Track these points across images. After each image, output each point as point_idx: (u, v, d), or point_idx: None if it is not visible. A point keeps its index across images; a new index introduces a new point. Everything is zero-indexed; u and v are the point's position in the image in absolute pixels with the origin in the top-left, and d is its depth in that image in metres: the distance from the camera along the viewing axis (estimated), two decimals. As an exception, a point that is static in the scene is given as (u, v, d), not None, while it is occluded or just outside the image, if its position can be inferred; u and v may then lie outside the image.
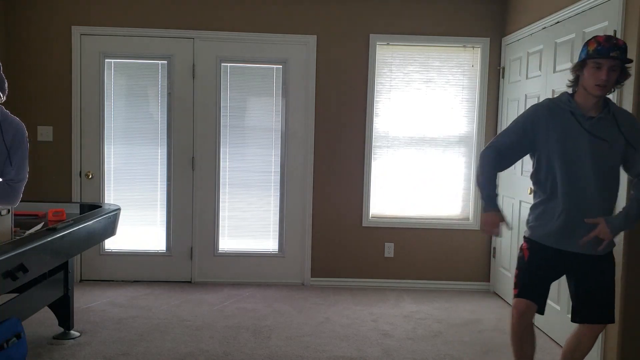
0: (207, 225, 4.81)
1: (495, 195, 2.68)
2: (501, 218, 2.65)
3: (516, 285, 2.65)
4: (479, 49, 4.76)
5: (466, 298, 4.65)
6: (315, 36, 4.71)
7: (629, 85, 2.86)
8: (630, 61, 2.47)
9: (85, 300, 4.24)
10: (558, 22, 3.72)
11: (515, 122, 2.68)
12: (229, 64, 4.73)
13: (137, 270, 4.80)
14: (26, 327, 2.92)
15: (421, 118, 4.81)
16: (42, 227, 3.02)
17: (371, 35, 4.71)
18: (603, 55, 2.41)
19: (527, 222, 2.71)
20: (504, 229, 2.72)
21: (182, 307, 4.18)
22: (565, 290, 3.39)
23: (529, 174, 2.74)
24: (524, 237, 2.69)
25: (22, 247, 2.49)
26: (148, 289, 4.60)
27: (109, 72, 4.71)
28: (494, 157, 2.67)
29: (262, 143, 4.80)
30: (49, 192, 4.65)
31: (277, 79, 4.77)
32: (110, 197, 4.75)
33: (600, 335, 2.91)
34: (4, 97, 2.68)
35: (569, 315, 3.12)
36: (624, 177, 2.69)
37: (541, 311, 2.64)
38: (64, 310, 3.51)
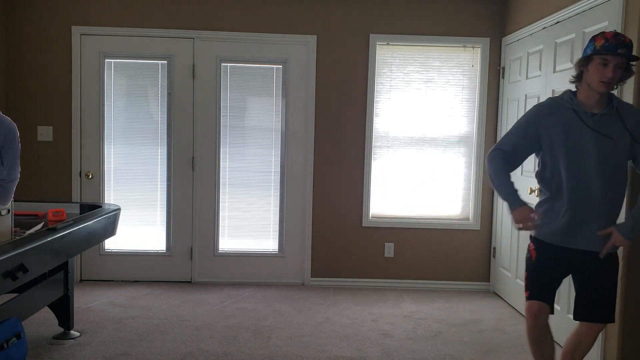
0: (207, 225, 4.81)
1: (516, 191, 2.63)
2: (530, 210, 2.58)
3: (527, 288, 2.63)
4: (479, 49, 4.76)
5: (466, 298, 4.65)
6: (315, 36, 4.71)
7: (629, 84, 2.86)
8: (637, 59, 2.45)
9: (85, 300, 4.24)
10: (558, 22, 3.72)
11: (518, 123, 2.68)
12: (229, 64, 4.73)
13: (137, 270, 4.80)
14: (26, 327, 2.92)
15: (421, 118, 4.81)
16: (42, 227, 3.03)
17: (371, 35, 4.71)
18: (610, 52, 2.39)
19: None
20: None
21: (182, 307, 4.18)
22: (565, 290, 3.40)
23: (531, 174, 2.74)
24: (530, 236, 2.68)
25: (22, 247, 2.50)
26: (148, 289, 4.60)
27: (109, 72, 4.71)
28: (501, 157, 2.66)
29: (262, 143, 4.80)
30: (49, 192, 4.65)
31: (277, 79, 4.77)
32: (110, 197, 4.75)
33: (600, 335, 2.92)
34: None
35: (569, 315, 3.13)
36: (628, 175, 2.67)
37: (551, 311, 2.62)
38: (64, 310, 3.51)
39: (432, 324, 3.99)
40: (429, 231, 4.86)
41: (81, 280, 4.77)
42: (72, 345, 3.40)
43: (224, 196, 4.81)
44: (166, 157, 4.76)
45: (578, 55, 3.39)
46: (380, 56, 4.76)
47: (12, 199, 2.74)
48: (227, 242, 4.86)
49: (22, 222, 3.10)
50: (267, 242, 4.88)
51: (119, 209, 3.62)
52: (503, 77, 4.70)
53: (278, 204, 4.84)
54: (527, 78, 4.22)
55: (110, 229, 3.53)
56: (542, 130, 2.57)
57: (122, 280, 4.79)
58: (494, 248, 4.82)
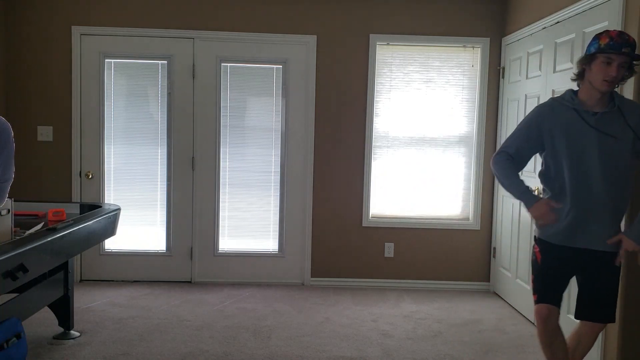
0: (207, 225, 4.81)
1: (527, 188, 2.62)
2: (546, 202, 2.55)
3: (534, 291, 2.62)
4: (479, 49, 4.76)
5: (466, 298, 4.65)
6: (315, 36, 4.71)
7: (629, 84, 2.86)
8: None
9: (85, 300, 4.24)
10: (558, 22, 3.72)
11: (521, 125, 2.68)
12: (229, 64, 4.73)
13: (137, 270, 4.80)
14: (26, 327, 2.92)
15: (421, 118, 4.81)
16: (42, 227, 3.03)
17: (371, 35, 4.71)
18: (615, 50, 2.38)
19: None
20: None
21: (182, 307, 4.18)
22: (566, 290, 3.39)
23: (531, 174, 2.73)
24: (535, 237, 2.68)
25: (22, 247, 2.49)
26: (148, 289, 4.60)
27: (109, 72, 4.71)
28: (506, 159, 2.66)
29: (262, 143, 4.80)
30: (49, 192, 4.65)
31: (277, 79, 4.77)
32: (110, 197, 4.75)
33: (600, 335, 2.92)
34: None
35: (569, 316, 3.13)
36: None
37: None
38: (64, 310, 3.51)
39: (432, 324, 3.99)
40: (429, 231, 4.86)
41: (81, 280, 4.77)
42: (72, 345, 3.40)
43: (224, 196, 4.81)
44: (166, 157, 4.76)
45: (578, 55, 3.39)
46: (380, 56, 4.76)
47: (6, 199, 2.74)
48: (227, 242, 4.86)
49: (22, 222, 3.10)
50: (267, 242, 4.88)
51: (119, 209, 3.62)
52: (503, 77, 4.70)
53: (278, 204, 4.84)
54: (527, 78, 4.22)
55: (110, 229, 3.53)
56: (544, 131, 2.56)
57: (122, 280, 4.79)
58: (494, 248, 4.82)
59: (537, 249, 2.64)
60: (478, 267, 4.90)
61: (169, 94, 4.71)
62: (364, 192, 4.81)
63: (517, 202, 4.30)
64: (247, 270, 4.84)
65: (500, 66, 4.73)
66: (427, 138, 4.83)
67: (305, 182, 4.80)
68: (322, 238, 4.84)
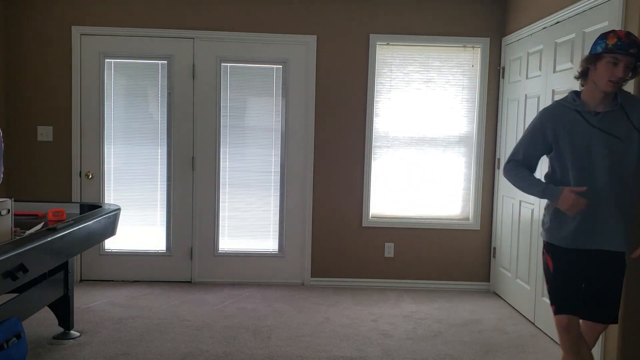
0: (207, 225, 4.81)
1: (547, 184, 2.58)
2: (570, 192, 2.46)
3: (552, 302, 2.59)
4: (479, 49, 4.76)
5: (466, 298, 4.65)
6: (315, 36, 4.71)
7: (629, 85, 2.85)
8: None
9: (85, 300, 4.24)
10: (558, 22, 3.72)
11: (526, 131, 2.68)
12: (229, 64, 4.73)
13: (137, 270, 4.80)
14: (26, 327, 2.93)
15: (421, 118, 4.81)
16: (42, 227, 3.02)
17: (371, 35, 4.71)
18: (623, 51, 2.36)
19: (543, 223, 2.67)
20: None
21: (182, 307, 4.18)
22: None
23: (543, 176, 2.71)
24: (544, 242, 2.65)
25: (22, 247, 2.49)
26: (148, 289, 4.60)
27: (109, 72, 4.71)
28: (516, 166, 2.66)
29: (262, 143, 4.80)
30: (49, 192, 4.65)
31: (277, 79, 4.77)
32: (110, 197, 4.75)
33: (600, 335, 2.91)
34: None
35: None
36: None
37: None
38: (64, 310, 3.51)
39: (432, 324, 3.99)
40: (429, 231, 4.86)
41: (81, 280, 4.77)
42: (72, 345, 3.40)
43: (224, 196, 4.81)
44: (166, 157, 4.76)
45: (578, 55, 3.40)
46: (380, 56, 4.76)
47: (7, 199, 2.73)
48: (227, 242, 4.86)
49: (22, 222, 3.10)
50: (267, 242, 4.88)
51: (119, 209, 3.62)
52: (503, 77, 4.70)
53: (278, 204, 4.84)
54: (527, 78, 4.22)
55: (110, 229, 3.52)
56: (548, 135, 2.56)
57: (122, 280, 4.79)
58: (494, 248, 4.81)
59: (548, 257, 2.61)
60: (478, 267, 4.90)
61: (169, 94, 4.72)
62: (364, 192, 4.81)
63: (517, 202, 4.30)
64: (247, 270, 4.84)
65: (500, 66, 4.73)
66: (427, 138, 4.83)
67: (305, 182, 4.80)
68: (322, 238, 4.84)
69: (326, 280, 4.87)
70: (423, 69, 4.79)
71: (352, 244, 4.85)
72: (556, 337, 3.65)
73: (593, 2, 3.27)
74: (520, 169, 2.65)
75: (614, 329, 2.98)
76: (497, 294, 4.76)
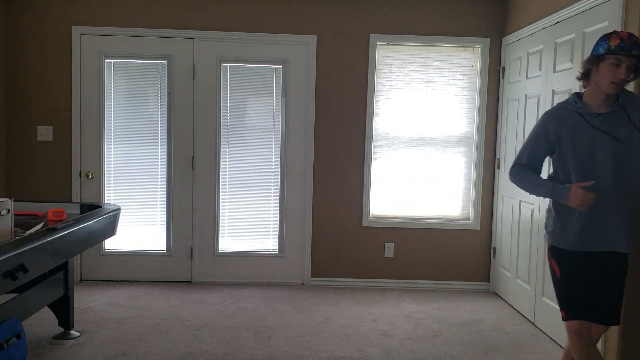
0: (207, 225, 4.81)
1: (554, 182, 2.56)
2: (578, 188, 2.45)
3: (561, 308, 2.58)
4: (479, 49, 4.76)
5: (466, 298, 4.65)
6: (315, 36, 4.71)
7: (630, 87, 2.85)
8: None
9: (85, 300, 4.24)
10: (558, 22, 3.72)
11: (529, 135, 2.69)
12: (229, 64, 4.73)
13: (137, 270, 4.80)
14: (26, 327, 2.93)
15: (421, 118, 4.81)
16: (42, 227, 3.03)
17: (371, 35, 4.71)
18: (625, 52, 2.35)
19: (546, 226, 2.67)
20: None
21: (182, 307, 4.18)
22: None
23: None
24: (549, 245, 2.64)
25: (22, 247, 2.49)
26: (148, 289, 4.60)
27: (109, 72, 4.71)
28: (521, 169, 2.66)
29: (262, 143, 4.80)
30: (49, 192, 4.65)
31: (277, 79, 4.77)
32: (110, 197, 4.75)
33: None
34: None
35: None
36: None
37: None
38: (64, 310, 3.51)
39: (432, 324, 3.99)
40: (429, 231, 4.86)
41: (81, 280, 4.77)
42: (72, 345, 3.40)
43: (224, 196, 4.81)
44: (166, 157, 4.76)
45: (578, 55, 3.40)
46: (380, 56, 4.76)
47: (6, 199, 2.73)
48: (227, 242, 4.86)
49: (22, 222, 3.10)
50: (267, 242, 4.88)
51: (119, 209, 3.62)
52: (503, 77, 4.70)
53: (278, 204, 4.84)
54: (527, 78, 4.22)
55: (110, 229, 3.53)
56: (551, 137, 2.56)
57: (122, 280, 4.79)
58: (494, 248, 4.81)
59: (554, 261, 2.60)
60: (478, 267, 4.90)
61: (169, 94, 4.72)
62: (364, 192, 4.81)
63: (517, 202, 4.30)
64: (247, 270, 4.84)
65: (500, 66, 4.73)
66: (427, 138, 4.83)
67: (305, 182, 4.80)
68: (322, 238, 4.84)
69: (326, 280, 4.87)
70: (423, 69, 4.79)
71: (352, 244, 4.85)
72: (556, 337, 3.66)
73: (593, 2, 3.27)
74: (525, 172, 2.65)
75: (614, 329, 2.97)
76: (497, 294, 4.76)
